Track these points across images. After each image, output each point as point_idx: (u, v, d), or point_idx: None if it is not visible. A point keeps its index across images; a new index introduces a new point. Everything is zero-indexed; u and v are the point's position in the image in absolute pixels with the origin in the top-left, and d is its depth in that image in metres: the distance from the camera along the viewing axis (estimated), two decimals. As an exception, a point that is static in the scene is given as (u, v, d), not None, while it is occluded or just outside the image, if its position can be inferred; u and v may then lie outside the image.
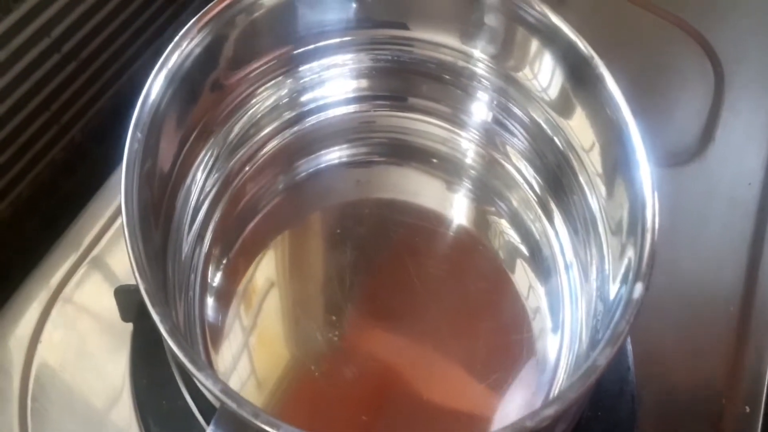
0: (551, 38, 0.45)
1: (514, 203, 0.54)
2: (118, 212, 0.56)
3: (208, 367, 0.33)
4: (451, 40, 0.52)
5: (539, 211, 0.52)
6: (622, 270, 0.39)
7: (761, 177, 0.60)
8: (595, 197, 0.46)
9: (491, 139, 0.55)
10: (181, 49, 0.43)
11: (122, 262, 0.53)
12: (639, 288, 0.36)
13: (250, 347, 0.48)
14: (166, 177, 0.44)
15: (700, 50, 0.65)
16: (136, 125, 0.40)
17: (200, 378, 0.32)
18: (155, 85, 0.41)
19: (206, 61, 0.45)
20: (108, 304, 0.51)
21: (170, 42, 0.43)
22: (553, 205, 0.52)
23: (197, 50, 0.44)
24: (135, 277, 0.35)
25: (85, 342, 0.50)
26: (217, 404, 0.36)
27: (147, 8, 0.66)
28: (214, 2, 0.45)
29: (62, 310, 0.51)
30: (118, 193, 0.55)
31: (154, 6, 0.67)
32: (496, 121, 0.54)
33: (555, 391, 0.44)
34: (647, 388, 0.47)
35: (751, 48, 0.66)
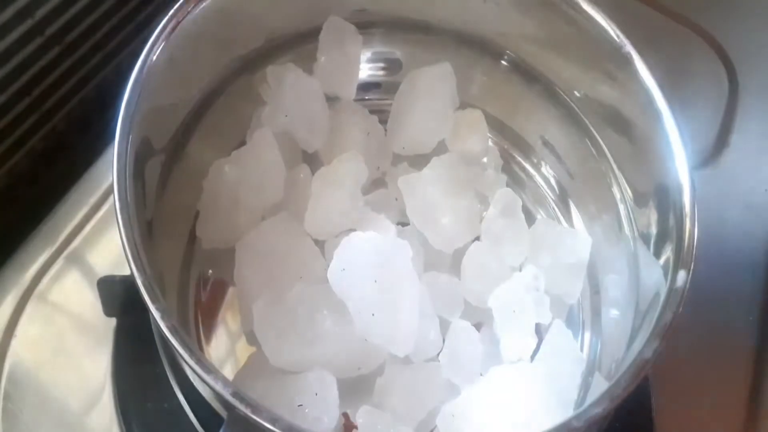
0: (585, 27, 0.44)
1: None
2: (98, 204, 0.53)
3: (217, 369, 0.30)
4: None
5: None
6: (661, 262, 0.38)
7: (778, 183, 0.59)
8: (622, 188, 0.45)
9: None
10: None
11: (102, 255, 0.51)
12: (682, 276, 0.35)
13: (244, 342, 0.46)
14: (160, 159, 0.42)
15: (713, 55, 0.64)
16: (129, 100, 0.38)
17: (209, 381, 0.30)
18: (154, 52, 0.39)
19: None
20: (87, 299, 0.48)
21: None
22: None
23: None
24: (131, 269, 0.32)
25: (63, 338, 0.47)
26: (223, 411, 0.33)
27: (136, -5, 0.64)
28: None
29: (38, 304, 0.48)
30: (99, 184, 0.54)
31: (143, -7, 0.64)
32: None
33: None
34: (665, 399, 0.45)
35: (765, 53, 0.65)
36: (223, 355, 0.46)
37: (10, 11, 0.52)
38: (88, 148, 0.60)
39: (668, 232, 0.38)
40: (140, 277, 0.33)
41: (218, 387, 0.30)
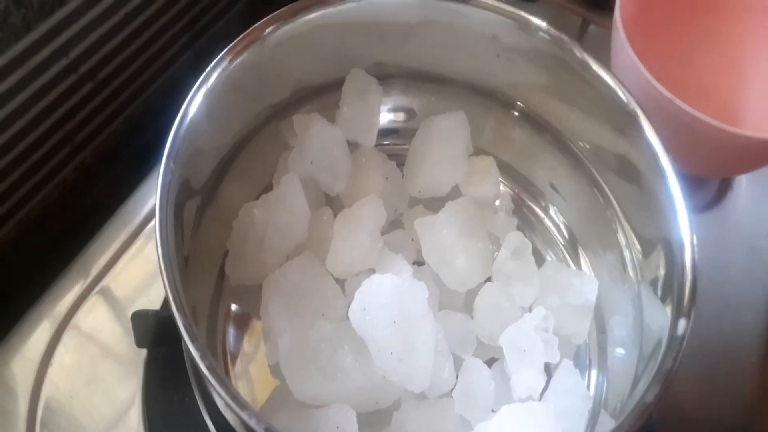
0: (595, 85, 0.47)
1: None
2: (130, 239, 0.56)
3: (250, 405, 0.33)
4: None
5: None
6: (665, 307, 0.40)
7: (781, 227, 0.59)
8: (627, 235, 0.47)
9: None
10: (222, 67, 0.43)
11: (134, 288, 0.53)
12: (683, 324, 0.37)
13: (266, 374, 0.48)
14: (196, 200, 0.44)
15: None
16: (169, 153, 0.40)
17: (244, 417, 0.32)
18: (192, 105, 0.42)
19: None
20: (119, 330, 0.51)
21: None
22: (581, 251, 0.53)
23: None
24: (172, 310, 0.35)
25: (96, 368, 0.49)
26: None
27: (164, 33, 0.66)
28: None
29: (73, 334, 0.51)
30: (129, 221, 0.56)
31: (171, 32, 0.67)
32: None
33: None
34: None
35: None
36: (245, 387, 0.48)
37: (47, 51, 0.55)
38: (115, 180, 0.63)
39: (671, 281, 0.40)
40: (181, 319, 0.35)
41: (252, 423, 0.33)
